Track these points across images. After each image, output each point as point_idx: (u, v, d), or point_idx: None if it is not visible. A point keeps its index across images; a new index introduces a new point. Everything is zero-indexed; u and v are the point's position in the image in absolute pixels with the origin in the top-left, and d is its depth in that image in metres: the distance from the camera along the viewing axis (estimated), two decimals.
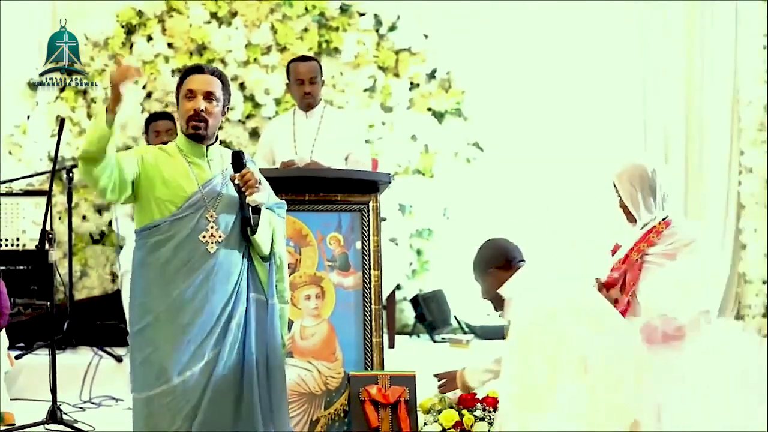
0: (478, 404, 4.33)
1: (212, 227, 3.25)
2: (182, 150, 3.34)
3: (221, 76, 3.37)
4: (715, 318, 3.49)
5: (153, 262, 3.25)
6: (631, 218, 3.66)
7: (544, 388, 3.04)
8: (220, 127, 6.40)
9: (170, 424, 3.19)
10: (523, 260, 3.44)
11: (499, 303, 3.44)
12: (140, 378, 3.26)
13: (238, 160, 3.25)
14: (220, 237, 3.25)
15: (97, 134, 3.05)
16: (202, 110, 3.27)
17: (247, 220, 3.25)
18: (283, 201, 3.49)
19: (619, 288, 3.64)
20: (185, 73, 3.37)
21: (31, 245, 6.07)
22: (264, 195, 3.28)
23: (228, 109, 3.41)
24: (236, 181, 3.25)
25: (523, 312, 3.21)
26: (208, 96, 3.29)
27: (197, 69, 3.36)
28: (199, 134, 3.30)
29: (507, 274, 3.38)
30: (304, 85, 5.02)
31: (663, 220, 3.60)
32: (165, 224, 3.23)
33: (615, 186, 3.67)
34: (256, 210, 3.26)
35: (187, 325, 3.20)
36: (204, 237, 3.24)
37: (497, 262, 3.41)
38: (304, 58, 5.18)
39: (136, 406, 3.28)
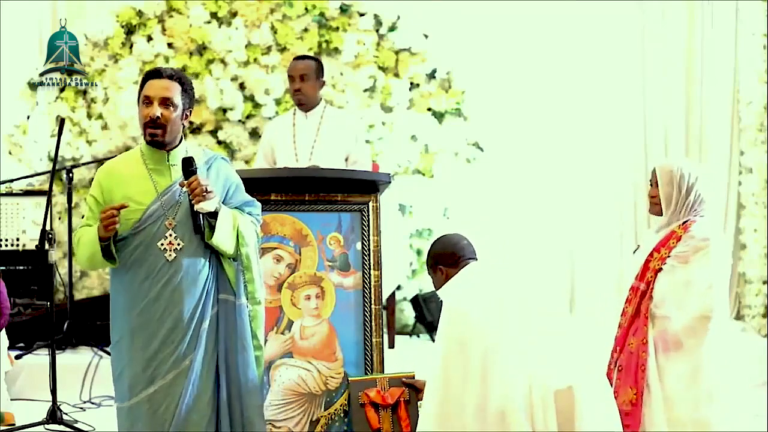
0: None
1: (170, 235, 3.22)
2: (144, 156, 3.30)
3: (181, 79, 3.29)
4: (724, 321, 3.45)
5: (121, 276, 3.26)
6: (655, 210, 3.61)
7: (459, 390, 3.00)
8: (220, 128, 6.50)
9: (151, 429, 3.20)
10: (471, 258, 3.37)
11: None
12: (119, 390, 3.28)
13: (187, 167, 3.17)
14: (179, 244, 3.22)
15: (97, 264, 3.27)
16: (157, 117, 3.22)
17: (198, 227, 3.19)
18: (255, 200, 3.44)
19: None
20: (144, 77, 3.31)
21: (31, 245, 6.07)
22: (213, 203, 3.19)
23: (191, 112, 3.34)
24: (184, 189, 3.20)
25: (445, 314, 3.14)
26: (165, 102, 3.23)
27: (155, 73, 3.29)
28: (156, 141, 3.25)
29: (453, 271, 3.34)
30: (295, 82, 5.02)
31: (683, 223, 3.57)
32: (129, 237, 3.22)
33: (655, 175, 3.59)
34: (213, 215, 3.20)
35: (156, 336, 3.19)
36: (162, 245, 3.21)
37: (443, 259, 3.39)
38: (301, 57, 5.17)
39: (119, 416, 3.29)
